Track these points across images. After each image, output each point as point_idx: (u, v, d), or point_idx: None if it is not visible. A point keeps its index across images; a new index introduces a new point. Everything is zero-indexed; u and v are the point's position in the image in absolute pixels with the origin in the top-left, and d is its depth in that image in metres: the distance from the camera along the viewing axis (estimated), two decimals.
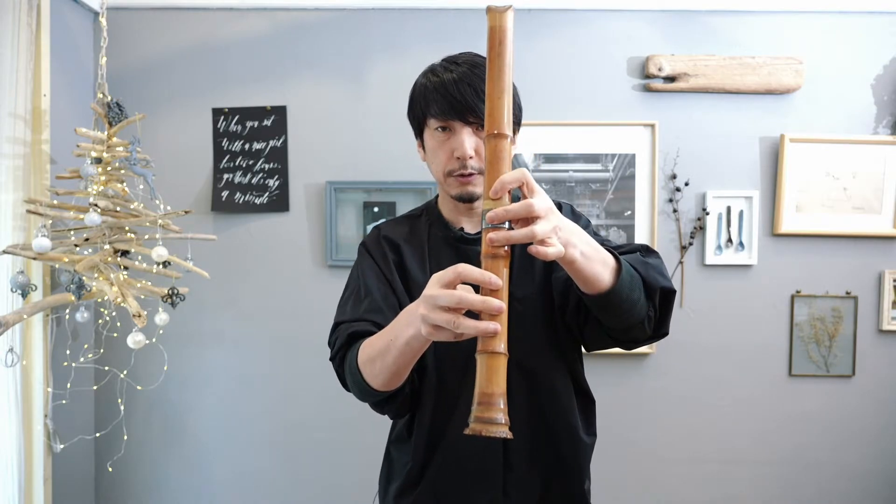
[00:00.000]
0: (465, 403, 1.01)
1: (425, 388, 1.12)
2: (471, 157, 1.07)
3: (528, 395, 1.10)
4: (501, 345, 0.79)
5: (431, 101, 1.09)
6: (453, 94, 1.06)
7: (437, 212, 1.22)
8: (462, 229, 1.17)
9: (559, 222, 0.84)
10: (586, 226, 1.14)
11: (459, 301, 0.78)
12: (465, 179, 1.09)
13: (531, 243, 0.82)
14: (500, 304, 0.78)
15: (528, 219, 0.80)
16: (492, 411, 0.77)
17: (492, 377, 0.79)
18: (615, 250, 0.98)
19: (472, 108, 1.05)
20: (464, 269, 0.79)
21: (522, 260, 1.15)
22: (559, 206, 1.11)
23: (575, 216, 1.18)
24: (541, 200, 0.81)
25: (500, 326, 0.78)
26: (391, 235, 1.23)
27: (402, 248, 1.20)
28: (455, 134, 1.08)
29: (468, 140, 1.06)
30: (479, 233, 1.13)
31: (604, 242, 1.03)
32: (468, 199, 1.11)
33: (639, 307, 0.97)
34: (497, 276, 0.79)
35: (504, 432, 0.76)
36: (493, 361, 0.79)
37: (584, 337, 1.11)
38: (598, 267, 0.90)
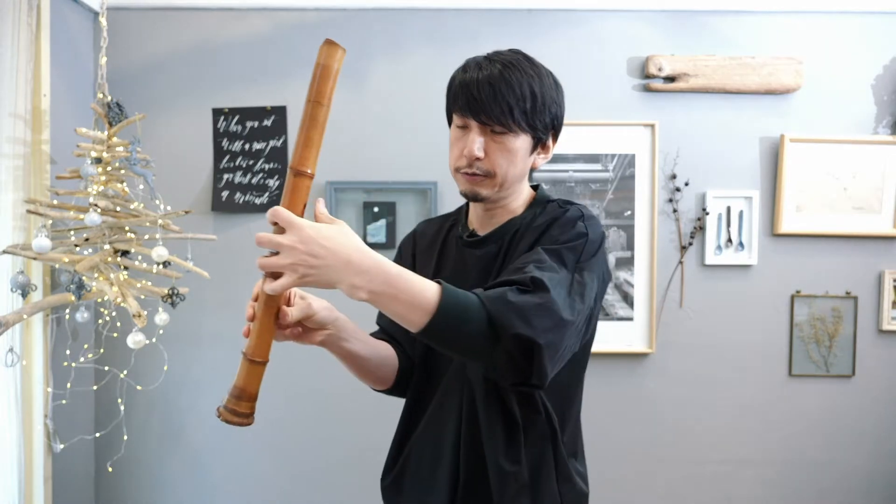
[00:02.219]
0: (432, 416, 1.13)
1: (411, 387, 1.21)
2: (478, 160, 1.06)
3: (458, 413, 1.09)
4: (252, 350, 0.90)
5: (456, 96, 1.08)
6: (473, 93, 1.04)
7: (464, 210, 1.24)
8: (473, 231, 1.18)
9: (307, 259, 0.83)
10: (575, 238, 1.03)
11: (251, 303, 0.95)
12: (471, 179, 1.08)
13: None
14: (249, 311, 0.94)
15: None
16: (239, 405, 0.90)
17: (241, 375, 0.91)
18: (497, 282, 0.95)
19: (488, 111, 1.04)
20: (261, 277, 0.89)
21: (456, 269, 1.16)
22: (564, 210, 1.09)
23: (570, 223, 1.06)
24: (286, 236, 0.83)
25: (248, 330, 0.93)
26: (422, 231, 1.30)
27: (422, 244, 1.26)
28: (469, 132, 1.07)
29: (478, 141, 1.05)
30: (484, 237, 1.14)
31: (542, 263, 0.97)
32: (473, 198, 1.11)
33: (474, 350, 0.90)
34: (256, 290, 0.92)
35: (244, 424, 0.91)
36: (243, 363, 0.91)
37: None
38: (398, 307, 0.87)
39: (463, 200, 1.22)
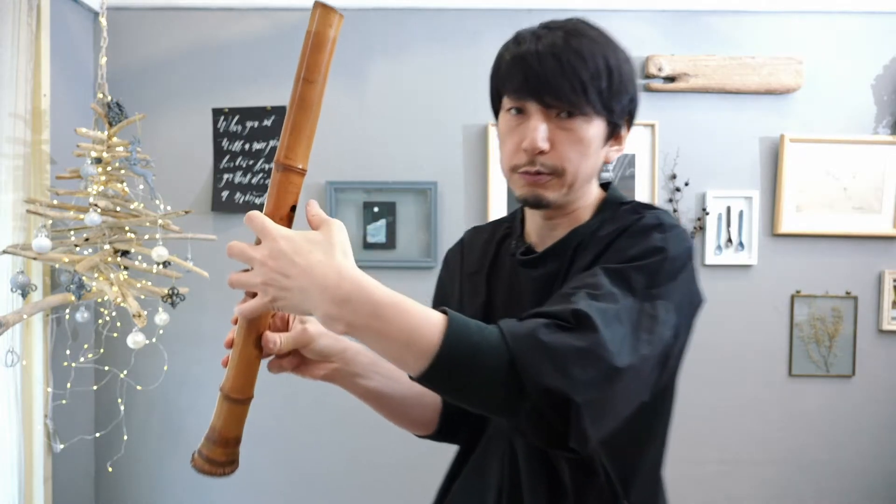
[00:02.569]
0: (475, 463, 0.95)
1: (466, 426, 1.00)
2: (542, 152, 0.83)
3: (500, 465, 0.91)
4: (229, 385, 0.75)
5: (506, 75, 0.86)
6: (534, 68, 0.82)
7: (520, 217, 1.00)
8: (530, 246, 0.95)
9: (277, 279, 0.67)
10: (648, 254, 0.80)
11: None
12: (532, 179, 0.85)
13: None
14: (228, 336, 0.79)
15: None
16: (214, 451, 0.78)
17: (218, 416, 0.77)
18: (531, 313, 0.73)
19: (553, 88, 0.81)
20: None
21: (510, 294, 0.95)
22: (638, 216, 0.86)
23: (643, 234, 0.83)
24: (258, 248, 0.69)
25: (227, 360, 0.76)
26: (470, 242, 1.07)
27: (471, 260, 1.04)
28: (528, 119, 0.84)
29: (541, 129, 0.82)
30: (543, 253, 0.91)
31: (598, 287, 0.75)
32: (535, 204, 0.87)
33: (490, 403, 0.69)
34: (236, 313, 0.74)
35: (221, 474, 0.78)
36: (220, 401, 0.76)
37: None
38: (387, 346, 0.68)
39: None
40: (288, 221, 0.72)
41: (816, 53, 2.35)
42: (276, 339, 0.77)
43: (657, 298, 0.77)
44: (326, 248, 0.68)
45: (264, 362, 0.79)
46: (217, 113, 2.36)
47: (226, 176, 2.35)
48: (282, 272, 0.67)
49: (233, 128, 2.36)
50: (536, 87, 0.82)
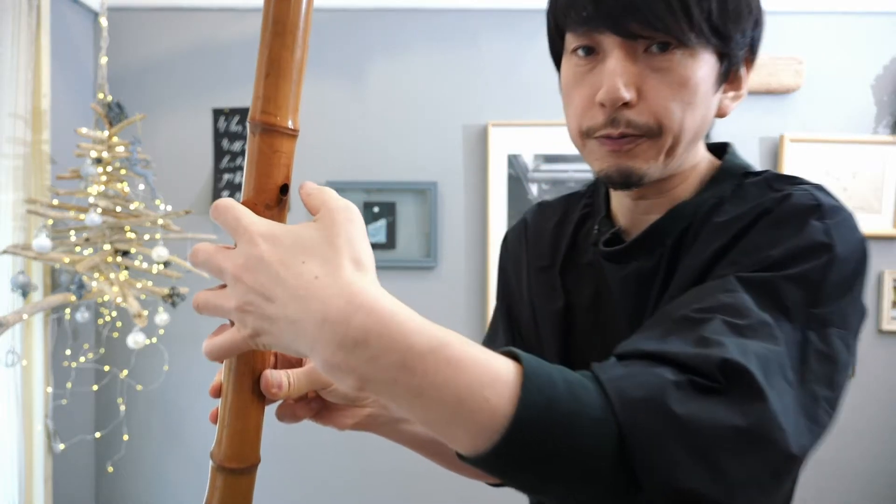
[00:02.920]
0: None
1: None
2: (626, 104, 0.59)
3: None
4: (222, 451, 0.54)
5: (571, 3, 0.61)
6: None
7: (604, 192, 0.74)
8: (617, 231, 0.70)
9: (256, 304, 0.44)
10: (806, 255, 0.53)
11: None
12: (615, 146, 0.61)
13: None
14: (216, 382, 0.56)
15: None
16: None
17: (213, 493, 0.57)
18: (636, 350, 0.49)
19: (639, 9, 0.56)
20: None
21: (596, 300, 0.71)
22: (782, 195, 0.59)
23: (792, 222, 0.56)
24: (233, 256, 0.46)
25: (216, 415, 0.54)
26: (535, 224, 0.82)
27: (538, 250, 0.79)
28: (604, 60, 0.60)
29: (623, 69, 0.58)
30: (632, 242, 0.66)
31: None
32: (623, 182, 0.62)
33: (579, 494, 0.44)
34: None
35: None
36: (213, 474, 0.56)
37: None
38: (427, 413, 0.43)
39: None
40: (277, 210, 0.49)
41: (816, 53, 2.35)
42: (281, 381, 0.54)
43: (827, 325, 0.51)
44: (327, 254, 0.44)
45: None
46: (217, 113, 2.36)
47: (226, 176, 2.35)
48: (262, 293, 0.44)
49: (233, 128, 2.36)
50: (613, 11, 0.57)
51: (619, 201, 0.71)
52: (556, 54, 0.69)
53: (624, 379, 0.45)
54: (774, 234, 0.56)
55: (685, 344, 0.48)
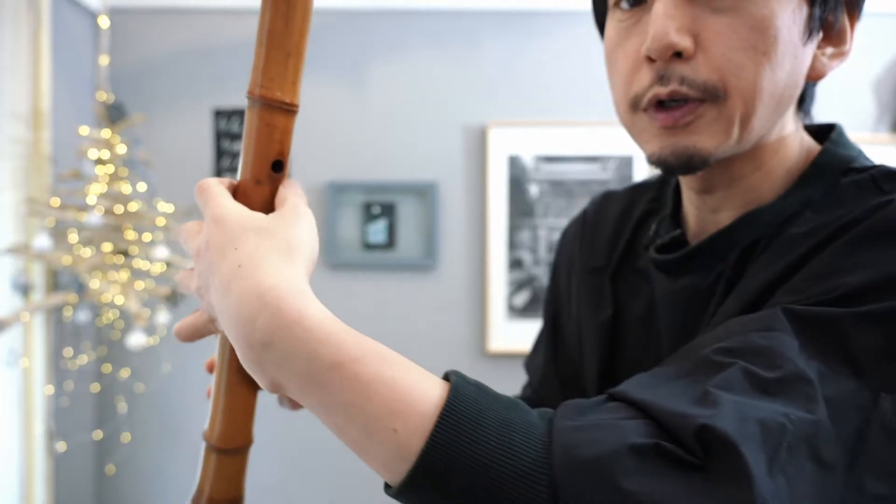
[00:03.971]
0: None
1: None
2: (678, 53, 0.47)
3: None
4: (216, 432, 0.54)
5: None
6: None
7: (675, 185, 0.62)
8: (678, 236, 0.57)
9: (206, 288, 0.44)
10: (890, 286, 0.39)
11: None
12: (668, 118, 0.48)
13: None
14: (211, 359, 0.54)
15: None
16: None
17: (205, 473, 0.55)
18: (620, 394, 0.40)
19: None
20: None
21: (648, 313, 0.59)
22: (880, 202, 0.44)
23: (888, 239, 0.41)
24: (196, 238, 0.45)
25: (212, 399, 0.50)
26: (594, 221, 0.70)
27: (595, 245, 0.68)
28: (648, 10, 0.49)
29: (675, 9, 0.46)
30: (693, 250, 0.54)
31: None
32: (681, 165, 0.49)
33: None
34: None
35: None
36: (205, 454, 0.54)
37: None
38: (340, 432, 0.41)
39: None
40: (269, 186, 0.47)
41: None
42: None
43: None
44: (258, 242, 0.42)
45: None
46: (218, 113, 2.36)
47: (227, 176, 2.35)
48: (205, 279, 0.43)
49: (234, 128, 2.36)
50: None
51: (686, 195, 0.57)
52: (601, 18, 0.58)
53: (582, 431, 0.36)
54: (857, 255, 0.41)
55: (683, 396, 0.37)
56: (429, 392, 0.37)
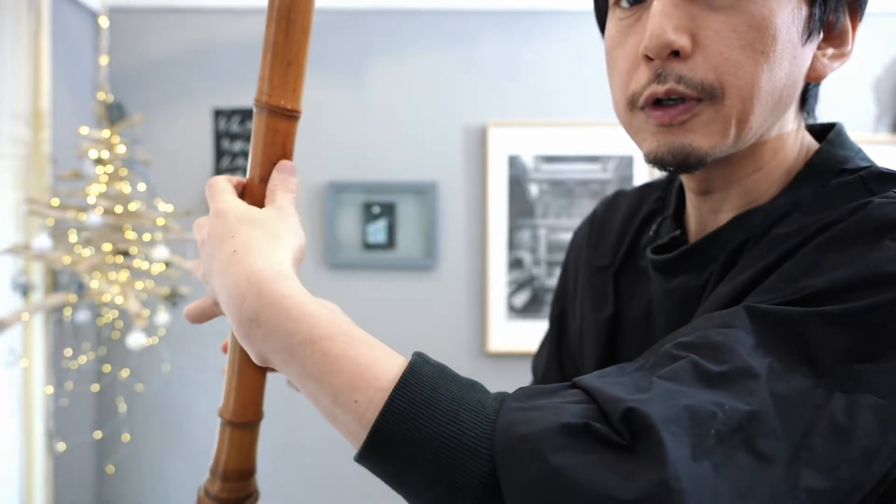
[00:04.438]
0: None
1: None
2: (675, 52, 0.46)
3: None
4: (229, 407, 0.58)
5: None
6: None
7: (679, 185, 0.63)
8: (678, 236, 0.59)
9: (208, 274, 0.51)
10: (855, 287, 0.40)
11: None
12: (664, 116, 0.48)
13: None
14: (226, 340, 0.57)
15: None
16: (223, 489, 0.60)
17: (221, 445, 0.60)
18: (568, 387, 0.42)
19: None
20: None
21: (647, 312, 0.60)
22: (860, 203, 0.44)
23: (857, 239, 0.42)
24: (202, 229, 0.52)
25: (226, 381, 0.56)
26: (602, 219, 0.71)
27: (603, 244, 0.69)
28: (647, 9, 0.49)
29: (673, 8, 0.46)
30: (688, 249, 0.55)
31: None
32: (679, 163, 0.49)
33: None
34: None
35: None
36: (221, 427, 0.59)
37: None
38: (315, 400, 0.46)
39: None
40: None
41: None
42: None
43: (862, 388, 0.37)
44: (250, 231, 0.48)
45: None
46: (218, 113, 2.36)
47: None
48: (208, 265, 0.50)
49: (233, 128, 2.36)
50: None
51: (688, 196, 0.58)
52: (602, 16, 0.58)
53: (524, 411, 0.38)
54: (828, 256, 0.41)
55: (631, 385, 0.39)
56: (389, 369, 0.42)
